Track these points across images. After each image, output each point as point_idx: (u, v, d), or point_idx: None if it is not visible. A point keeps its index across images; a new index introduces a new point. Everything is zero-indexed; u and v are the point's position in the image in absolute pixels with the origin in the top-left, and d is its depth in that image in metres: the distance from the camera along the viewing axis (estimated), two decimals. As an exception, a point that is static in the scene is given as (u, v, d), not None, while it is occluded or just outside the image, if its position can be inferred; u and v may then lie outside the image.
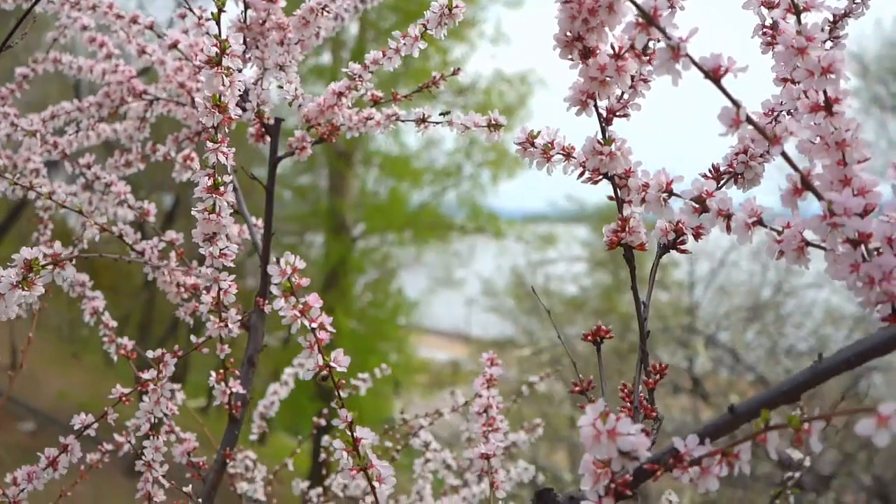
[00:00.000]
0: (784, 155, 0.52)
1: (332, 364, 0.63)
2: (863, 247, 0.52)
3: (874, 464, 6.07)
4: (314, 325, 0.62)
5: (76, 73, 1.24)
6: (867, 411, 0.41)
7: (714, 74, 0.50)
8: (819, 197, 0.51)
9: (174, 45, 1.06)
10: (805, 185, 0.51)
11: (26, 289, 0.67)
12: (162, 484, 0.94)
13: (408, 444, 1.35)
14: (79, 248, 1.11)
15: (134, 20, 1.10)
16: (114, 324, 1.10)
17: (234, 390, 0.96)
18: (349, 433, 0.65)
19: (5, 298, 0.67)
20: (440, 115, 0.93)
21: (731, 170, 0.68)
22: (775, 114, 0.68)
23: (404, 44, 0.90)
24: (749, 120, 0.50)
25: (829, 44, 0.72)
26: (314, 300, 0.62)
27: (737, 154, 0.68)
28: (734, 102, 0.51)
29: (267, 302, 0.96)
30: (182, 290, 1.02)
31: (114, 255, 0.93)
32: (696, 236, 0.67)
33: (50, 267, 0.67)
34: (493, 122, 0.84)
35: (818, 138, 0.54)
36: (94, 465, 1.12)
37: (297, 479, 1.38)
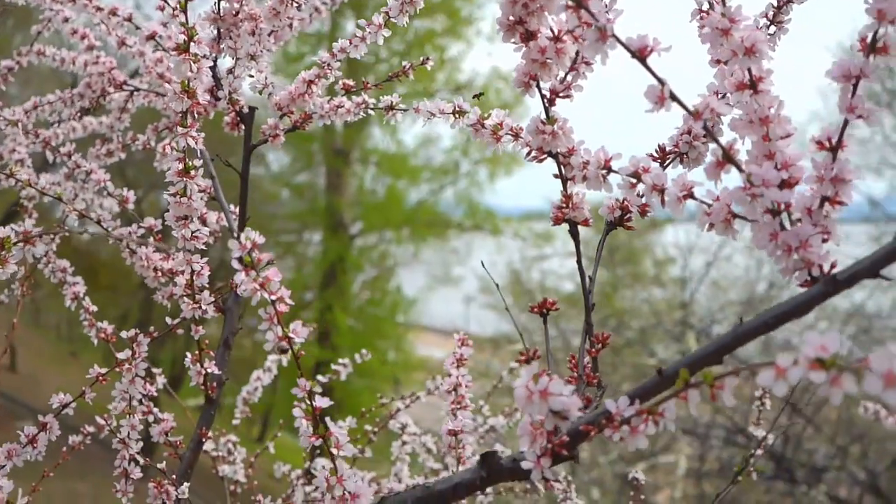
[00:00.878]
0: (706, 129, 0.54)
1: (291, 335, 0.66)
2: (785, 217, 0.55)
3: (867, 457, 6.11)
4: (274, 297, 0.65)
5: (59, 64, 1.27)
6: (767, 365, 0.44)
7: (640, 54, 0.53)
8: (740, 169, 0.54)
9: (152, 37, 1.09)
10: (727, 158, 0.54)
11: (1, 266, 0.70)
12: (137, 461, 0.97)
13: (385, 426, 1.38)
14: (59, 234, 1.14)
15: (113, 12, 1.13)
16: (94, 308, 1.12)
17: (209, 371, 0.99)
18: (308, 402, 0.68)
19: (-21, 276, 0.70)
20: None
21: (675, 150, 0.71)
22: (719, 95, 0.71)
23: (369, 32, 0.93)
24: (672, 97, 0.53)
25: (772, 28, 0.75)
26: (274, 274, 0.65)
27: (681, 134, 0.71)
28: (659, 80, 0.53)
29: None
30: (159, 274, 1.05)
31: (78, 231, 0.95)
32: (643, 213, 0.70)
33: (21, 244, 0.70)
34: (457, 109, 0.87)
35: (746, 115, 0.57)
36: (75, 447, 1.15)
37: (279, 462, 1.41)
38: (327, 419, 0.69)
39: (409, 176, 11.80)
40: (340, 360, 1.42)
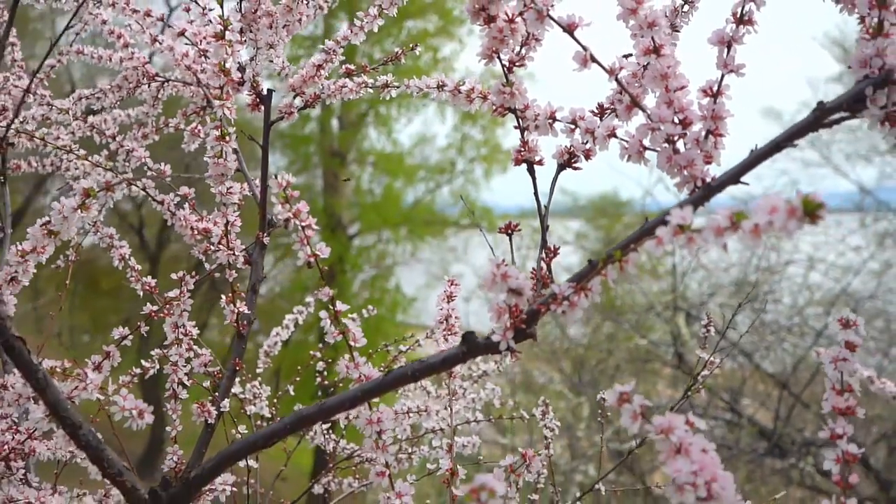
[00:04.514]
0: (618, 82, 0.74)
1: (318, 252, 0.85)
2: (681, 145, 0.75)
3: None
4: (304, 224, 0.84)
5: (97, 61, 1.46)
6: (650, 237, 0.63)
7: (570, 28, 0.73)
8: (643, 111, 0.74)
9: (182, 34, 1.28)
10: (634, 103, 0.74)
11: (84, 211, 0.90)
12: (185, 384, 1.17)
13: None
14: (106, 206, 1.34)
15: (147, 14, 1.32)
16: (139, 267, 1.32)
17: (241, 310, 1.19)
18: (332, 307, 0.87)
19: (68, 220, 0.90)
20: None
21: (611, 106, 0.90)
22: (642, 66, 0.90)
23: (366, 21, 1.13)
24: (593, 59, 0.73)
25: (686, 7, 0.94)
26: (304, 206, 0.85)
27: (615, 94, 0.90)
28: (583, 47, 0.73)
29: (266, 235, 1.18)
30: (195, 232, 1.24)
31: (137, 179, 1.15)
32: (587, 157, 0.90)
33: (104, 192, 0.89)
34: (440, 83, 1.07)
35: (651, 73, 0.77)
36: (125, 385, 1.35)
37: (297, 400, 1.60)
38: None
39: (405, 175, 12.00)
40: (350, 315, 1.61)
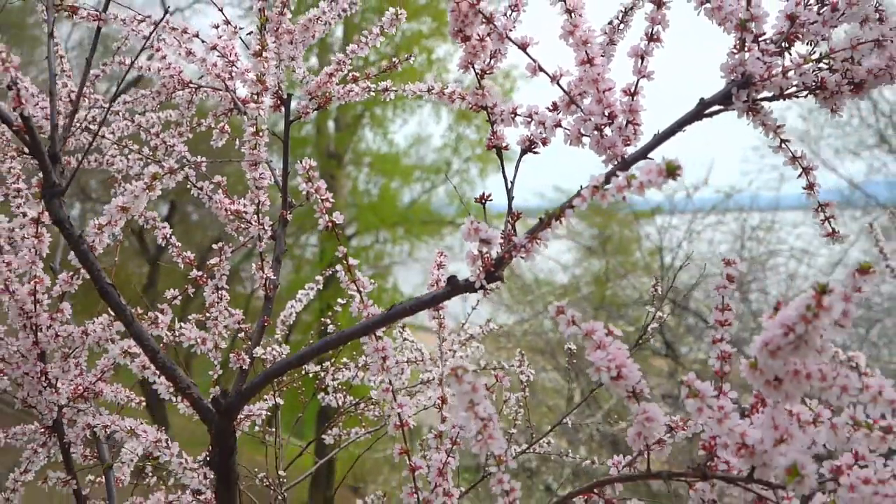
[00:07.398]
0: (559, 85, 0.99)
1: (334, 219, 1.11)
2: (607, 131, 1.00)
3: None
4: (322, 197, 1.10)
5: (137, 71, 1.71)
6: (584, 190, 0.88)
7: (523, 46, 0.98)
8: (578, 107, 0.99)
9: (214, 48, 1.54)
10: (571, 101, 0.99)
11: (150, 191, 1.15)
12: (223, 336, 1.42)
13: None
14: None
15: (184, 31, 1.57)
16: (179, 244, 1.57)
17: (268, 276, 1.44)
18: (346, 262, 1.12)
19: (139, 198, 1.15)
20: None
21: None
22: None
23: (371, 37, 1.38)
24: (540, 68, 0.98)
25: (622, 25, 1.20)
26: (322, 184, 1.10)
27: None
28: (533, 60, 0.98)
29: (289, 213, 1.43)
30: (228, 213, 1.49)
31: (189, 163, 1.40)
32: (544, 143, 1.15)
33: (168, 175, 1.15)
34: (430, 87, 1.32)
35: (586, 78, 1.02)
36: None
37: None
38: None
39: (401, 176, 12.24)
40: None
